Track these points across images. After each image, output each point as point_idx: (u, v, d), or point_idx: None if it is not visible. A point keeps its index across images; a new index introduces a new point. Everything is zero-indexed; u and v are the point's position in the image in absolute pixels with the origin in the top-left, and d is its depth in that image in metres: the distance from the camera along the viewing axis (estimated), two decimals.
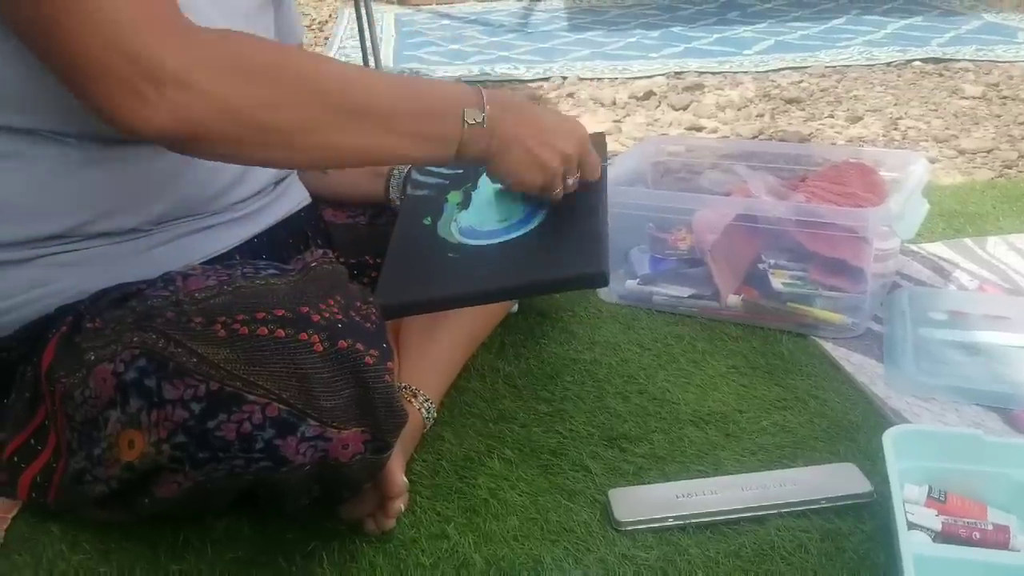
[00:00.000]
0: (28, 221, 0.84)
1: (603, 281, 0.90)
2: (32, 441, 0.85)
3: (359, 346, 0.71)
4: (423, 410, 1.00)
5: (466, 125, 0.84)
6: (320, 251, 0.80)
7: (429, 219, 1.03)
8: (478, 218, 1.00)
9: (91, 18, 0.68)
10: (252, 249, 0.98)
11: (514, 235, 0.97)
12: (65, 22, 0.69)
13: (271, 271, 0.77)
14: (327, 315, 0.72)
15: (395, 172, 1.16)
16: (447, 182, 1.09)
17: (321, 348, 0.70)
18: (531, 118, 0.90)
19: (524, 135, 0.89)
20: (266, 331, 0.70)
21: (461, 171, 1.11)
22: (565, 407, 1.09)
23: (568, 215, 0.97)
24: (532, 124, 0.90)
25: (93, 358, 0.75)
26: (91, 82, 0.70)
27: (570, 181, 0.94)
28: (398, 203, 1.15)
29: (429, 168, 1.12)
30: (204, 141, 0.74)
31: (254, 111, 0.73)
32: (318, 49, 3.29)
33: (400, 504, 0.86)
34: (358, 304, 0.76)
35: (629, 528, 0.88)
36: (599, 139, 1.12)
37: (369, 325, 0.74)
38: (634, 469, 0.98)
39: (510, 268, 0.94)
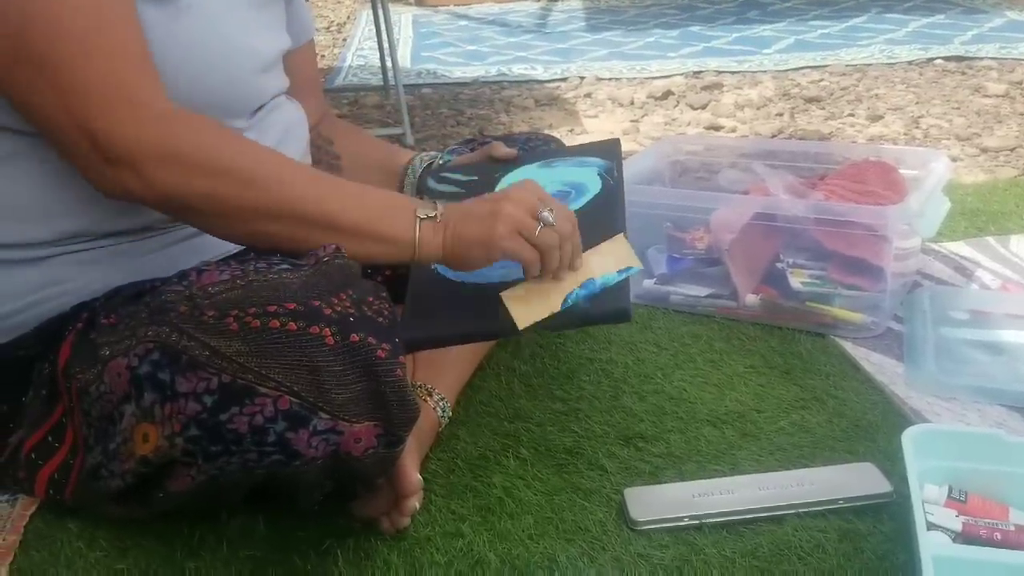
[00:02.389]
0: (43, 220, 0.85)
1: (626, 317, 0.88)
2: (50, 438, 0.86)
3: (371, 340, 0.71)
4: (438, 409, 1.00)
5: (417, 220, 0.83)
6: (332, 245, 0.80)
7: None
8: None
9: (65, 93, 0.76)
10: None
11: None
12: (42, 91, 0.77)
13: (284, 266, 0.77)
14: (339, 309, 0.72)
15: (409, 171, 1.16)
16: (463, 191, 1.08)
17: (332, 341, 0.70)
18: (477, 203, 0.87)
19: (474, 211, 0.85)
20: (278, 324, 0.70)
21: (477, 178, 1.10)
22: (581, 406, 1.09)
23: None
24: (479, 204, 0.86)
25: (108, 353, 0.76)
26: (63, 149, 0.80)
27: (546, 214, 0.84)
28: None
29: (445, 175, 1.12)
30: (160, 211, 0.84)
31: (190, 200, 0.80)
32: (336, 51, 3.30)
33: (415, 502, 0.85)
34: (370, 299, 0.76)
35: (645, 527, 0.88)
36: (610, 146, 1.10)
37: (382, 320, 0.74)
38: (650, 468, 0.97)
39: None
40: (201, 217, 0.82)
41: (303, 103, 1.07)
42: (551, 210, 0.84)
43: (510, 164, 1.10)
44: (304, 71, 1.11)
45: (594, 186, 1.04)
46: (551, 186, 1.03)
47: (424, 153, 1.18)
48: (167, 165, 0.77)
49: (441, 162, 1.16)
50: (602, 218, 0.97)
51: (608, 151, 1.09)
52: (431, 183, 1.11)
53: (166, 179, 0.77)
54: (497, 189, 1.03)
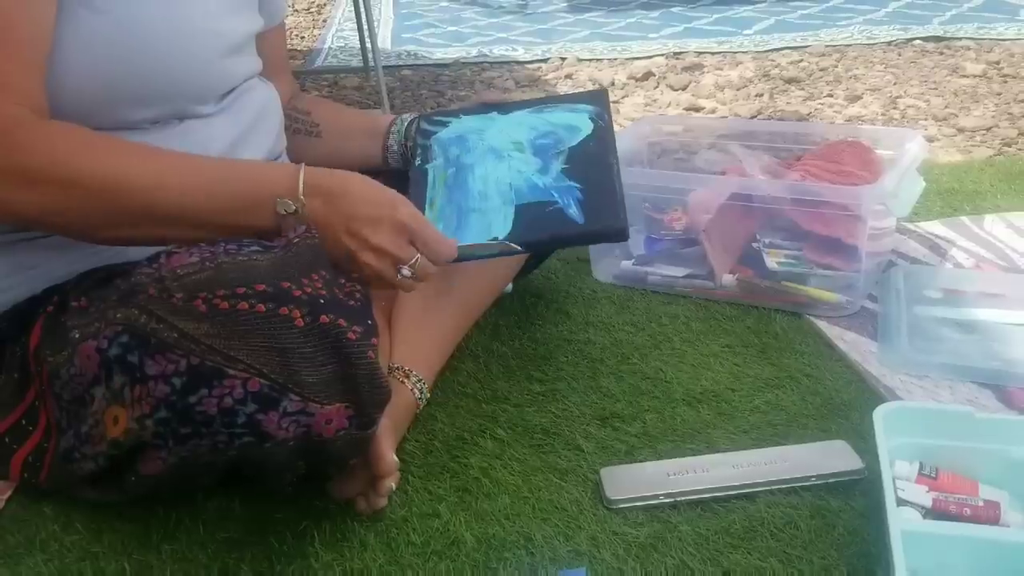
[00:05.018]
0: None
1: (623, 236, 0.93)
2: (23, 422, 0.86)
3: (341, 322, 0.71)
4: (416, 390, 1.00)
5: (278, 216, 0.82)
6: (303, 227, 0.80)
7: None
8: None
9: None
10: None
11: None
12: None
13: (254, 247, 0.77)
14: (309, 290, 0.72)
15: (394, 131, 1.14)
16: (457, 118, 1.11)
17: (302, 323, 0.70)
18: (343, 207, 0.84)
19: (334, 224, 0.84)
20: (246, 306, 0.70)
21: (470, 112, 1.13)
22: (558, 387, 1.09)
23: (581, 175, 0.99)
24: (341, 213, 0.84)
25: (78, 336, 0.75)
26: None
27: (405, 271, 0.86)
28: (393, 164, 1.14)
29: (437, 118, 1.12)
30: (21, 225, 0.83)
31: (41, 216, 0.79)
32: (316, 33, 3.27)
33: (391, 483, 0.86)
34: (342, 280, 0.76)
35: (620, 506, 0.88)
36: (598, 95, 1.12)
37: (353, 302, 0.74)
38: (626, 448, 0.98)
39: (532, 225, 0.96)
40: (56, 228, 0.82)
41: (274, 82, 1.07)
42: (412, 264, 0.86)
43: (503, 107, 1.13)
44: (275, 51, 1.10)
45: (585, 127, 1.07)
46: (544, 127, 1.07)
47: (405, 114, 1.16)
48: (12, 184, 0.76)
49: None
50: (594, 158, 1.01)
51: (597, 99, 1.12)
52: (423, 124, 1.12)
53: (11, 197, 0.77)
54: (489, 137, 1.06)
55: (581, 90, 1.14)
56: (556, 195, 0.97)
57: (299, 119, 1.14)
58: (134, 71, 0.83)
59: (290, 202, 0.82)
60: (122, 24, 0.82)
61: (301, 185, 0.83)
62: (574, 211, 0.96)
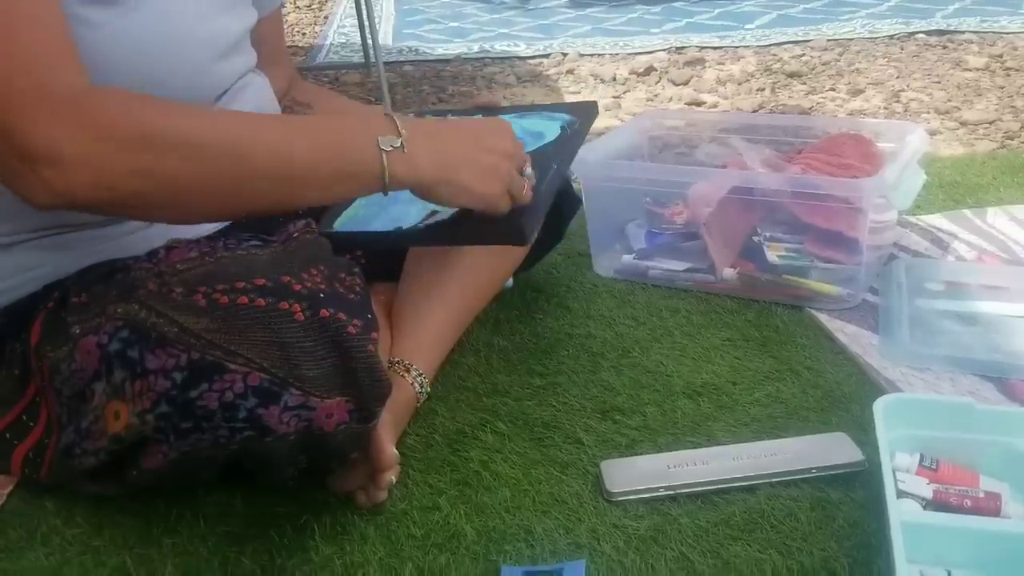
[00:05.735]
0: (13, 215, 0.84)
1: (521, 240, 0.89)
2: (24, 417, 0.86)
3: (341, 316, 0.71)
4: (416, 384, 1.00)
5: (383, 153, 0.78)
6: (303, 221, 0.80)
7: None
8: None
9: None
10: (238, 227, 0.98)
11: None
12: None
13: (253, 242, 0.77)
14: (309, 284, 0.72)
15: None
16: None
17: (302, 317, 0.70)
18: (455, 133, 0.85)
19: (459, 151, 0.83)
20: (246, 300, 0.70)
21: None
22: (559, 380, 1.09)
23: None
24: (460, 137, 0.84)
25: (78, 331, 0.75)
26: None
27: (528, 170, 0.88)
28: None
29: (428, 117, 1.13)
30: (95, 209, 0.74)
31: (127, 181, 0.71)
32: (317, 29, 3.27)
33: (391, 476, 0.86)
34: (342, 275, 0.76)
35: (620, 499, 0.88)
36: (586, 107, 1.13)
37: (353, 296, 0.74)
38: (627, 441, 0.98)
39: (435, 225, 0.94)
40: (147, 203, 0.74)
41: (271, 71, 1.06)
42: (529, 164, 0.87)
43: (489, 111, 1.14)
44: (271, 40, 1.10)
45: (551, 134, 1.07)
46: (517, 133, 1.05)
47: (408, 112, 1.17)
48: (92, 144, 0.69)
49: None
50: (545, 156, 1.01)
51: (582, 110, 1.12)
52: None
53: (94, 162, 0.69)
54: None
55: (577, 101, 1.14)
56: None
57: (300, 112, 1.14)
58: (131, 83, 0.81)
59: (392, 138, 0.79)
60: (117, 39, 0.80)
61: (396, 120, 0.80)
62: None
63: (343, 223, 0.99)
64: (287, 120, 0.80)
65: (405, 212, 0.97)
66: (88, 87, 0.73)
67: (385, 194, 0.80)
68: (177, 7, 0.86)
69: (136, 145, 0.70)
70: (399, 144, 0.79)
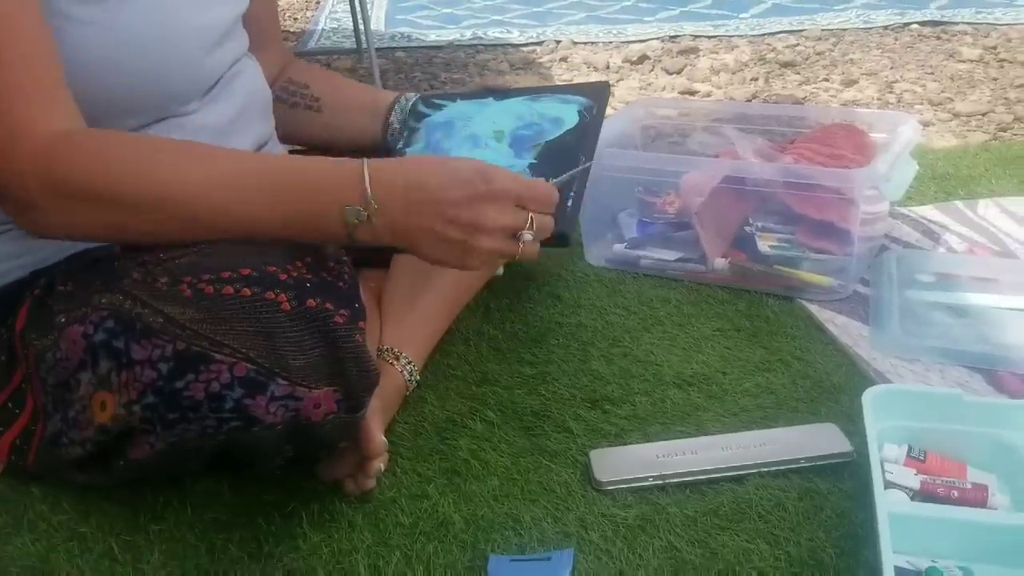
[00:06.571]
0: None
1: (564, 242, 0.87)
2: (10, 404, 0.85)
3: (328, 305, 0.71)
4: (406, 372, 1.00)
5: (348, 225, 0.76)
6: None
7: None
8: None
9: None
10: None
11: None
12: None
13: None
14: (295, 274, 0.71)
15: (397, 109, 1.13)
16: (454, 102, 1.10)
17: (288, 307, 0.70)
18: (429, 200, 0.77)
19: (426, 224, 0.77)
20: (232, 290, 0.69)
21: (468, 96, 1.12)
22: (549, 370, 1.09)
23: (545, 173, 0.95)
24: (430, 208, 0.77)
25: (64, 320, 0.75)
26: None
27: (527, 236, 0.80)
28: (392, 143, 1.13)
29: (435, 100, 1.11)
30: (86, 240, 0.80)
31: (100, 232, 0.77)
32: (309, 14, 3.25)
33: (380, 464, 0.86)
34: (330, 264, 0.75)
35: (609, 488, 0.88)
36: (599, 88, 1.11)
37: (341, 285, 0.74)
38: (616, 430, 0.98)
39: None
40: (121, 241, 0.79)
41: (265, 52, 1.05)
42: (530, 223, 0.79)
43: (501, 93, 1.12)
44: (265, 20, 1.08)
45: (571, 120, 1.05)
46: (530, 117, 1.06)
47: (410, 93, 1.15)
48: (64, 200, 0.74)
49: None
50: (565, 154, 0.99)
51: (595, 92, 1.11)
52: (420, 105, 1.11)
53: (62, 214, 0.75)
54: (474, 124, 1.04)
55: (585, 81, 1.12)
56: None
57: (297, 92, 1.12)
58: (123, 81, 0.80)
59: (360, 208, 0.75)
60: (107, 35, 0.79)
61: (368, 187, 0.75)
62: None
63: None
64: (257, 180, 0.77)
65: None
66: (64, 135, 0.75)
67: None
68: (168, 1, 0.84)
69: (108, 205, 0.75)
70: (364, 218, 0.76)
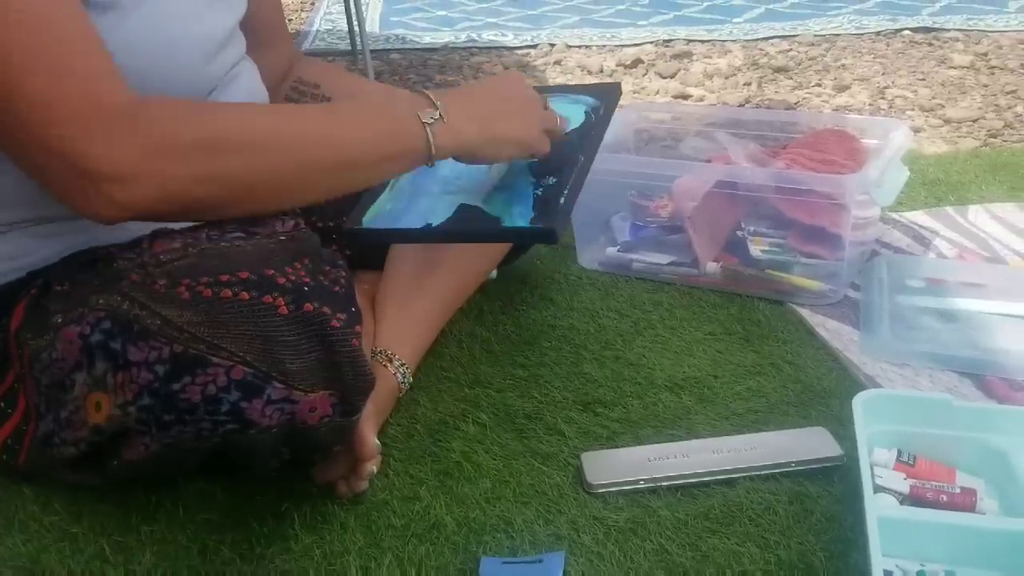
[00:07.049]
0: (9, 204, 0.84)
1: (550, 239, 0.91)
2: (2, 404, 0.85)
3: (325, 309, 0.71)
4: (399, 375, 1.00)
5: (427, 127, 0.83)
6: (292, 221, 0.79)
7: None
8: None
9: (26, 116, 0.69)
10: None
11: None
12: (3, 118, 0.70)
13: (237, 234, 0.76)
14: (293, 278, 0.71)
15: None
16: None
17: (286, 311, 0.70)
18: (481, 91, 0.92)
19: (491, 107, 0.89)
20: (230, 293, 0.69)
21: None
22: (541, 372, 1.09)
23: (544, 171, 0.98)
24: (487, 94, 0.91)
25: (60, 320, 0.75)
26: (42, 179, 0.74)
27: (550, 105, 0.95)
28: None
29: None
30: (162, 218, 0.75)
31: (191, 189, 0.73)
32: (304, 15, 3.25)
33: (372, 466, 0.86)
34: (327, 268, 0.75)
35: (600, 491, 0.89)
36: (610, 89, 1.12)
37: (338, 288, 0.74)
38: (608, 433, 0.98)
39: (462, 220, 0.95)
40: (212, 207, 0.76)
41: (273, 50, 1.05)
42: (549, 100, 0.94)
43: None
44: (270, 19, 1.08)
45: (576, 120, 1.06)
46: None
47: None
48: (153, 158, 0.71)
49: None
50: (566, 153, 1.00)
51: (606, 93, 1.11)
52: None
53: (157, 177, 0.71)
54: None
55: (599, 82, 1.12)
56: (501, 205, 0.96)
57: (308, 92, 1.12)
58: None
59: (431, 111, 0.83)
60: (110, 45, 0.77)
61: (431, 94, 0.84)
62: (517, 210, 0.94)
63: (372, 219, 0.98)
64: (333, 111, 0.84)
65: (432, 207, 0.97)
66: (138, 99, 0.74)
67: (431, 165, 0.85)
68: (171, 9, 0.84)
69: (196, 153, 0.73)
70: (438, 116, 0.83)
